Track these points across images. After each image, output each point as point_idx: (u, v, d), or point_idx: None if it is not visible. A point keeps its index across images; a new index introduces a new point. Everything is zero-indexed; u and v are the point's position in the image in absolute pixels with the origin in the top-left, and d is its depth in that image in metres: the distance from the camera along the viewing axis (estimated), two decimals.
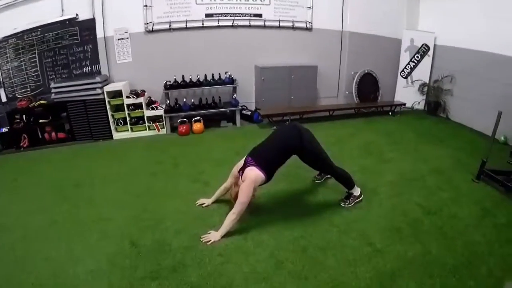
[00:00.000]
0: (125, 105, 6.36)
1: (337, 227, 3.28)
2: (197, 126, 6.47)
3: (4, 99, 6.71)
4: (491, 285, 2.56)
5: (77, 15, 6.35)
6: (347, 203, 3.69)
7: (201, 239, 3.16)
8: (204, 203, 3.80)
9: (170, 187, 4.28)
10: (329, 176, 4.16)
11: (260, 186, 3.34)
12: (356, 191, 3.74)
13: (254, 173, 3.22)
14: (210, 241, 3.15)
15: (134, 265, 2.87)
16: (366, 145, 5.48)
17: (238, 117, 6.83)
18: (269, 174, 3.31)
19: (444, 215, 3.47)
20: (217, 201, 3.77)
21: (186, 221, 3.47)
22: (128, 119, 6.48)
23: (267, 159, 3.32)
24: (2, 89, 6.67)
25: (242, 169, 3.35)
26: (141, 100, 6.40)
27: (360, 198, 3.75)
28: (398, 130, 6.31)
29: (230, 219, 3.20)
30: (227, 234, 3.17)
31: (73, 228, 3.49)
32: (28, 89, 6.68)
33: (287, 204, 3.75)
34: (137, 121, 6.58)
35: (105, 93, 6.24)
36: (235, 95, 6.79)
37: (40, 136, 6.61)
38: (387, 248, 2.96)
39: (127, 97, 6.33)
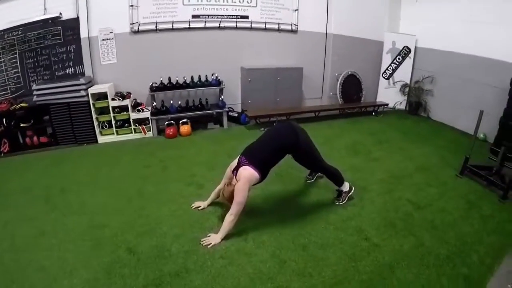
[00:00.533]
0: (110, 108, 6.28)
1: (333, 224, 3.42)
2: (185, 129, 6.45)
3: None
4: (483, 271, 2.78)
5: (60, 14, 6.21)
6: (340, 201, 3.81)
7: (201, 243, 3.18)
8: (200, 206, 3.81)
9: (162, 191, 4.27)
10: (320, 175, 4.30)
11: (254, 185, 3.38)
12: (345, 186, 3.84)
13: (248, 172, 3.22)
14: (210, 244, 3.16)
15: (134, 273, 2.85)
16: (353, 145, 5.67)
17: (225, 119, 6.88)
18: (263, 173, 3.33)
19: (434, 209, 3.70)
20: (212, 203, 3.80)
21: (183, 225, 3.49)
22: (113, 122, 6.39)
23: (261, 158, 3.33)
24: None
25: (236, 169, 3.36)
26: (127, 102, 6.34)
27: (351, 192, 3.87)
28: (382, 129, 6.54)
29: (228, 221, 3.21)
30: (227, 236, 3.21)
31: (64, 237, 3.42)
32: (8, 91, 6.50)
33: (283, 204, 3.86)
34: (123, 124, 6.49)
35: (89, 95, 6.13)
36: (222, 97, 6.85)
37: (21, 141, 6.43)
38: (383, 242, 3.14)
39: (113, 99, 6.25)
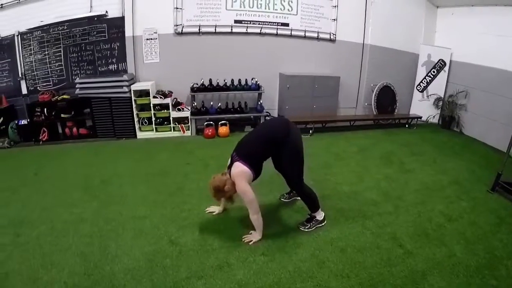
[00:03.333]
0: (151, 105, 6.73)
1: (370, 230, 3.66)
2: (223, 130, 6.84)
3: (24, 91, 7.06)
4: (511, 284, 2.97)
5: (106, 12, 6.73)
6: (307, 227, 3.65)
7: (243, 239, 3.41)
8: (214, 211, 3.97)
9: (204, 188, 4.22)
10: (298, 197, 4.11)
11: (253, 181, 3.40)
12: (320, 215, 3.72)
13: (240, 170, 3.23)
14: (251, 241, 3.38)
15: (176, 264, 3.06)
16: (387, 155, 5.94)
17: None
18: (255, 168, 3.30)
19: (465, 222, 3.89)
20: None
21: (225, 221, 3.77)
22: (153, 119, 6.85)
23: (250, 151, 3.33)
24: (24, 81, 7.01)
25: (229, 167, 3.35)
26: (168, 101, 6.79)
27: (323, 224, 3.72)
28: (415, 142, 6.75)
29: (254, 220, 3.36)
30: (267, 235, 3.45)
31: (105, 225, 3.70)
32: (51, 83, 7.05)
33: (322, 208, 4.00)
34: (162, 122, 6.95)
35: (132, 91, 6.60)
36: (260, 101, 7.23)
37: (60, 131, 7.01)
38: (417, 250, 3.33)
39: (154, 97, 6.71)
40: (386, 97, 8.17)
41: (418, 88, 8.31)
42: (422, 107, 8.23)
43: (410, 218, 3.97)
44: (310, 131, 7.00)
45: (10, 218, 3.88)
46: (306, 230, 3.63)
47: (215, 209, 3.97)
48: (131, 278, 2.89)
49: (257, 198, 3.33)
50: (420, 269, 3.08)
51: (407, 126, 7.91)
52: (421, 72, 8.21)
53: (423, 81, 8.22)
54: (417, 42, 8.22)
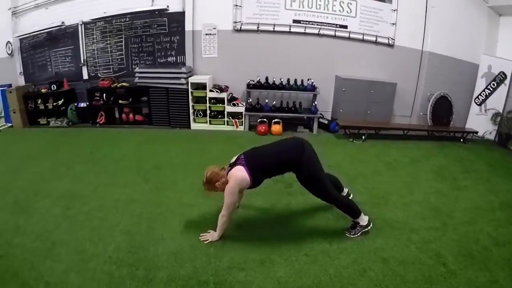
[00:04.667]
0: (207, 98, 7.11)
1: (414, 244, 3.60)
2: (276, 128, 7.10)
3: (85, 77, 7.69)
4: None
5: (167, 6, 7.17)
6: (352, 233, 3.68)
7: (200, 238, 3.44)
8: None
9: None
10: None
11: (248, 189, 3.50)
12: (363, 220, 3.70)
13: (240, 175, 3.25)
14: (208, 240, 3.40)
15: (220, 254, 3.19)
16: (439, 169, 5.86)
17: (315, 124, 7.41)
18: (255, 179, 3.33)
19: None
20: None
21: (271, 218, 3.92)
22: (208, 111, 7.23)
23: (260, 163, 3.37)
24: (85, 67, 7.63)
25: (231, 165, 3.40)
26: (223, 95, 7.13)
27: (368, 228, 3.73)
28: (469, 158, 6.56)
29: (221, 222, 3.38)
30: (312, 237, 3.59)
31: (153, 208, 3.97)
32: (111, 70, 7.62)
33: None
34: (217, 115, 7.31)
35: (189, 83, 7.01)
36: (315, 103, 7.39)
37: (117, 116, 7.56)
38: (460, 271, 3.22)
39: (211, 90, 7.08)
40: (442, 108, 7.99)
41: (476, 101, 8.05)
42: (479, 122, 7.94)
43: (457, 237, 3.87)
44: (363, 137, 7.04)
45: (63, 192, 4.32)
46: (352, 236, 3.67)
47: None
48: (174, 261, 3.10)
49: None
50: None
51: (461, 140, 7.57)
52: (481, 84, 7.94)
53: (481, 94, 7.94)
54: (477, 52, 8.00)
